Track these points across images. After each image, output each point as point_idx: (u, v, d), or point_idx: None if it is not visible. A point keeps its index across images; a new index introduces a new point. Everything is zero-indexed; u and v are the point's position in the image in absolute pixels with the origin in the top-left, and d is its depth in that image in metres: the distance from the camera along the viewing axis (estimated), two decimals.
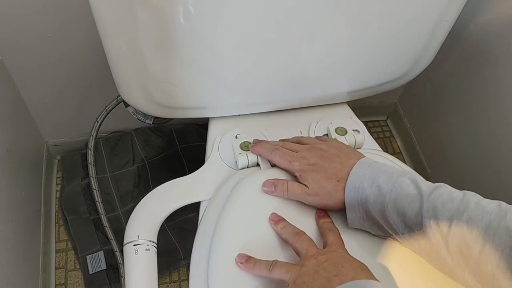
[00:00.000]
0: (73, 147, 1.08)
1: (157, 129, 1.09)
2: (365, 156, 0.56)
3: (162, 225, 0.98)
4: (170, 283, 0.96)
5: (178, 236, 0.98)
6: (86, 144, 1.06)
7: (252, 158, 0.65)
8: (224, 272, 0.53)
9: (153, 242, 0.60)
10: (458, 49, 0.92)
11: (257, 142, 0.65)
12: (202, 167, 0.68)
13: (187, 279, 0.97)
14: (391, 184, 0.49)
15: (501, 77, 0.81)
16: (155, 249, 0.60)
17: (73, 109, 0.98)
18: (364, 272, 0.45)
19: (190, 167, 1.06)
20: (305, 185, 0.56)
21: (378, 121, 1.25)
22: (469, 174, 0.94)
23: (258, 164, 0.66)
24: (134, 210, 0.62)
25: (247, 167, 0.66)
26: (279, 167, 0.62)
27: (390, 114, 1.25)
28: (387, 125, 1.26)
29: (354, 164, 0.53)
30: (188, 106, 0.69)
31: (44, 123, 1.00)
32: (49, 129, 1.02)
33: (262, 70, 0.65)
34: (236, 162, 0.66)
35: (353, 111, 0.78)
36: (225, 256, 0.54)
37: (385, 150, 0.74)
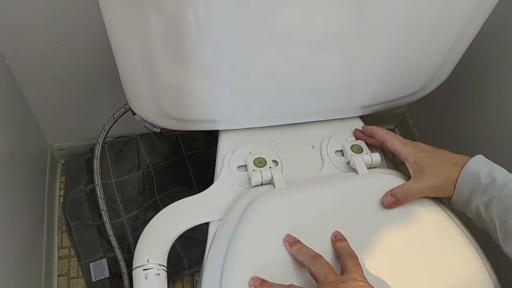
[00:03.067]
0: (77, 151, 1.06)
1: (163, 135, 1.07)
2: None
3: None
4: None
5: (182, 245, 0.96)
6: (91, 149, 1.04)
7: (266, 175, 0.63)
8: None
9: (163, 266, 0.58)
10: (470, 61, 0.90)
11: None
12: (213, 185, 0.66)
13: None
14: (507, 180, 0.52)
15: None
16: (165, 273, 0.58)
17: (79, 114, 0.96)
18: None
19: (195, 174, 1.04)
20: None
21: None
22: None
23: (271, 182, 0.64)
24: (143, 232, 0.61)
25: (261, 184, 0.64)
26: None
27: (399, 123, 1.23)
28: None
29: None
30: (199, 119, 0.67)
31: (48, 126, 0.98)
32: (53, 133, 1.00)
33: (277, 82, 0.63)
34: (250, 179, 0.64)
35: (361, 119, 0.76)
36: (238, 279, 0.53)
37: (393, 159, 0.73)
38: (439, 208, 0.62)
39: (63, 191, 1.04)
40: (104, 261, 0.95)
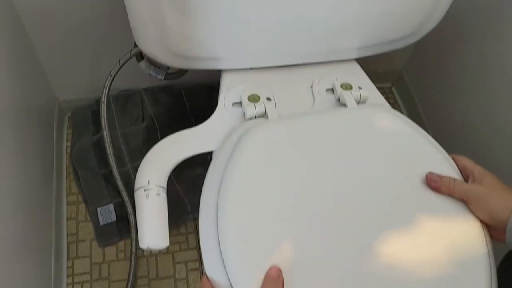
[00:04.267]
0: (83, 104, 1.10)
1: (167, 89, 1.11)
2: None
3: (170, 179, 1.01)
4: (177, 235, 1.00)
5: (185, 191, 1.01)
6: (96, 101, 1.08)
7: (260, 108, 0.67)
8: (233, 212, 0.55)
9: (163, 187, 0.62)
10: (467, 16, 0.92)
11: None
12: (208, 120, 0.70)
13: (194, 232, 1.01)
14: None
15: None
16: (165, 195, 0.62)
17: (85, 66, 0.99)
18: None
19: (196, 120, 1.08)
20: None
21: (382, 88, 1.25)
22: (475, 141, 0.95)
23: (265, 115, 0.67)
24: (145, 157, 0.65)
25: (255, 117, 0.67)
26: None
27: (395, 81, 1.26)
28: (392, 92, 1.27)
29: None
30: (201, 56, 0.70)
31: (56, 79, 1.02)
32: (61, 86, 1.04)
33: (274, 19, 0.66)
34: (244, 113, 0.68)
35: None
36: (234, 197, 0.57)
37: None
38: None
39: (70, 142, 1.08)
40: (111, 206, 0.99)
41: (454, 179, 0.59)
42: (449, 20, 0.74)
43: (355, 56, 0.78)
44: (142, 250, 0.97)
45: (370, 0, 0.67)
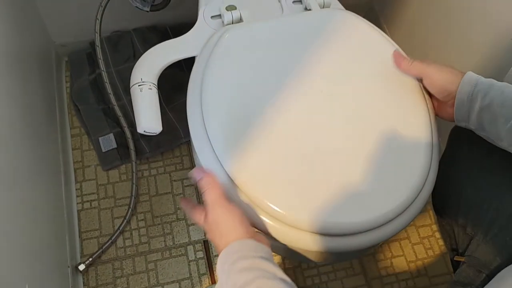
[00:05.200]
0: (79, 47, 1.18)
1: (154, 28, 1.19)
2: None
3: (163, 108, 1.11)
4: (173, 158, 1.10)
5: (178, 118, 1.11)
6: (90, 44, 1.17)
7: (236, 15, 0.77)
8: (215, 104, 0.66)
9: (154, 84, 0.72)
10: None
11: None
12: (190, 31, 0.80)
13: (188, 154, 1.11)
14: (503, 84, 0.59)
15: None
16: (156, 90, 0.72)
17: (78, 6, 1.07)
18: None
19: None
20: None
21: None
22: None
23: (241, 21, 0.77)
24: (138, 61, 0.74)
25: (232, 23, 0.77)
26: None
27: (366, 13, 1.35)
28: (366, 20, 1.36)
29: None
30: None
31: (52, 23, 1.10)
32: (56, 29, 1.13)
33: None
34: (222, 21, 0.77)
35: None
36: (215, 88, 0.67)
37: None
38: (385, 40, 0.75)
39: (69, 84, 1.18)
40: (111, 135, 1.09)
41: (413, 59, 0.68)
42: None
43: None
44: (142, 172, 1.08)
45: None
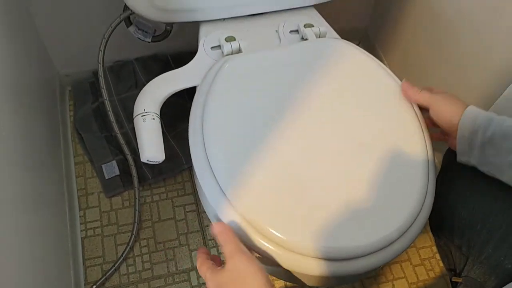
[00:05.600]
0: (82, 77, 1.21)
1: (155, 57, 1.23)
2: None
3: (165, 135, 1.14)
4: (175, 184, 1.12)
5: (179, 145, 1.13)
6: (93, 73, 1.20)
7: (235, 46, 0.79)
8: (216, 133, 0.68)
9: (157, 114, 0.74)
10: None
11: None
12: (191, 62, 0.82)
13: (189, 180, 1.12)
14: (503, 117, 0.60)
15: None
16: (159, 120, 0.74)
17: (81, 38, 1.11)
18: None
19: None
20: None
21: None
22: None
23: (240, 51, 0.80)
24: (141, 92, 0.77)
25: (231, 53, 0.80)
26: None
27: (362, 39, 1.38)
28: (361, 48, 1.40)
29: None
30: (180, 8, 0.82)
31: (56, 53, 1.13)
32: (60, 59, 1.16)
33: None
34: (222, 51, 0.80)
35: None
36: (215, 113, 0.69)
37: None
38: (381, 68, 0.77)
39: (72, 112, 1.20)
40: (114, 162, 1.11)
41: (421, 89, 0.70)
42: None
43: (312, 2, 0.90)
44: (144, 199, 1.09)
45: None
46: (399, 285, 1.03)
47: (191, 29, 0.93)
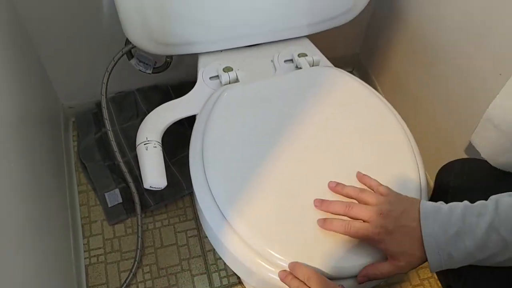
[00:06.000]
0: (85, 109, 1.25)
1: (156, 88, 1.27)
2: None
3: (166, 162, 1.16)
4: (176, 210, 1.14)
5: (180, 171, 1.16)
6: (96, 104, 1.24)
7: (233, 76, 0.83)
8: (215, 158, 0.71)
9: (158, 142, 0.77)
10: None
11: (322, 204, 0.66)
12: (191, 91, 0.86)
13: (190, 206, 1.15)
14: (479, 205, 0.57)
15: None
16: (161, 148, 0.77)
17: (84, 71, 1.15)
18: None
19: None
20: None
21: None
22: (430, 118, 1.09)
23: (237, 81, 0.83)
24: (143, 121, 0.80)
25: (229, 83, 0.83)
26: None
27: (355, 65, 1.43)
28: (353, 75, 1.44)
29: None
30: (179, 42, 0.86)
31: (60, 86, 1.18)
32: (64, 92, 1.20)
33: (235, 7, 0.84)
34: (220, 81, 0.84)
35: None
36: (215, 143, 0.72)
37: None
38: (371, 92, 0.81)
39: (76, 142, 1.23)
40: (117, 190, 1.14)
41: (376, 267, 0.61)
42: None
43: (305, 33, 0.94)
44: (147, 225, 1.12)
45: None
46: None
47: (190, 61, 0.98)
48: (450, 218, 0.57)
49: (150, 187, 0.74)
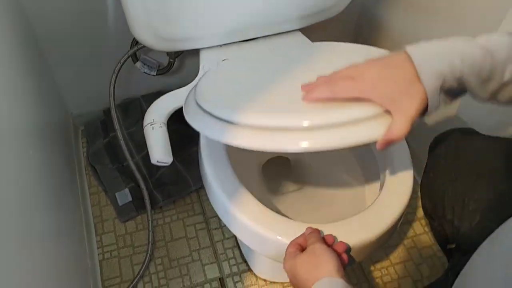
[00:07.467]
0: (92, 117, 1.32)
1: (161, 94, 1.31)
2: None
3: (173, 161, 1.21)
4: (184, 205, 1.19)
5: (186, 169, 1.21)
6: (104, 112, 1.31)
7: None
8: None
9: (164, 123, 0.83)
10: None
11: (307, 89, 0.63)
12: (193, 81, 0.92)
13: (197, 201, 1.20)
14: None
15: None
16: (166, 128, 0.83)
17: (92, 80, 1.22)
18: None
19: None
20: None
21: None
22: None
23: None
24: (149, 107, 0.86)
25: None
26: None
27: None
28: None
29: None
30: (182, 38, 0.92)
31: (68, 95, 1.24)
32: (72, 101, 1.27)
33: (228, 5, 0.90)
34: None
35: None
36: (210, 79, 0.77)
37: None
38: None
39: (85, 148, 1.29)
40: (126, 190, 1.19)
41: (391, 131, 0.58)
42: None
43: (297, 26, 1.01)
44: (157, 221, 1.16)
45: None
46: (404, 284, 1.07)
47: (191, 68, 1.04)
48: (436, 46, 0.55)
49: (157, 162, 0.79)
